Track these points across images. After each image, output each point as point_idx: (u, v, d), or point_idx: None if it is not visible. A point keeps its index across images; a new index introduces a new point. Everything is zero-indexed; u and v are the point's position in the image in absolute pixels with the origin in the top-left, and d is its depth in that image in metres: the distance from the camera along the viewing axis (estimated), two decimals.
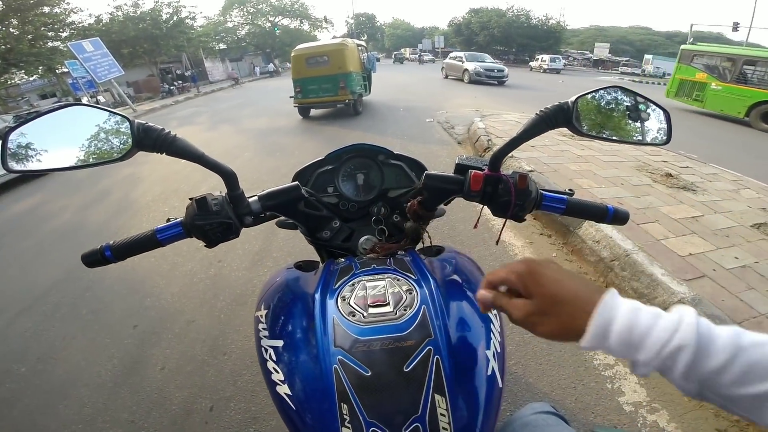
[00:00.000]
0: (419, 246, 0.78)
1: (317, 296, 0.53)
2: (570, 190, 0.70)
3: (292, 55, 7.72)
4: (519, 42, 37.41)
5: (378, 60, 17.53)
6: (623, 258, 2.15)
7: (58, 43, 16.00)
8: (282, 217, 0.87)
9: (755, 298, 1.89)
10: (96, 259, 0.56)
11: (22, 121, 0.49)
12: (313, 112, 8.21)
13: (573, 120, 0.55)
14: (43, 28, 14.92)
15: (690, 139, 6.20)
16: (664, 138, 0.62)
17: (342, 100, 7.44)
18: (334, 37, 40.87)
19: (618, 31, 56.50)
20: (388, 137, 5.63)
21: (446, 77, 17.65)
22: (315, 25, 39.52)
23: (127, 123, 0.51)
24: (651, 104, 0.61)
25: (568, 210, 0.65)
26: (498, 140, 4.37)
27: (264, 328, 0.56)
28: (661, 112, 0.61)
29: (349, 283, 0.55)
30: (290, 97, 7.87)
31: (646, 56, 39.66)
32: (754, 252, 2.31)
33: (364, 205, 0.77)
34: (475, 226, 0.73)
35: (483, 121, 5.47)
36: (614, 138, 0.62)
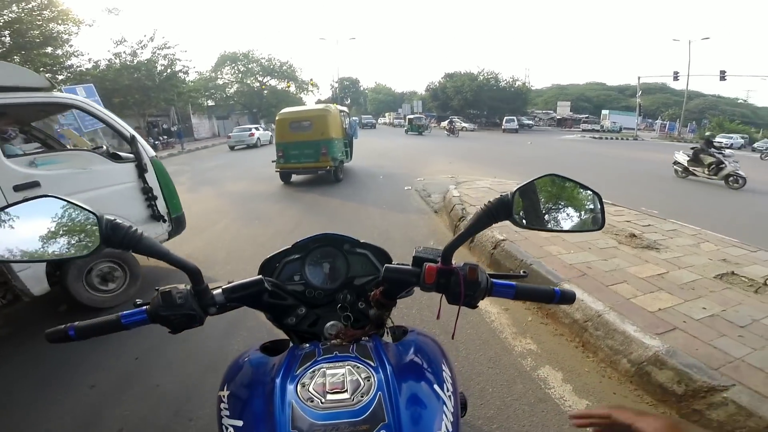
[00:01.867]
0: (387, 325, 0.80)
1: (278, 381, 0.55)
2: (524, 271, 0.76)
3: (277, 118, 7.90)
4: (489, 105, 39.48)
5: (360, 125, 19.20)
6: (596, 318, 2.20)
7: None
8: None
9: (728, 344, 1.95)
10: (59, 336, 0.59)
11: None
12: (294, 177, 8.23)
13: (513, 213, 0.60)
14: (42, 69, 14.33)
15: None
16: (598, 224, 0.67)
17: (323, 166, 7.53)
18: (319, 101, 42.83)
19: (576, 88, 61.16)
20: (369, 206, 5.76)
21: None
22: (302, 87, 40.21)
23: (95, 219, 0.52)
24: (584, 189, 0.66)
25: (518, 295, 0.69)
26: (472, 209, 4.54)
27: (225, 408, 0.58)
28: (594, 196, 0.66)
29: (310, 370, 0.56)
30: (272, 161, 7.93)
31: (603, 112, 43.33)
32: (720, 301, 2.41)
33: (330, 292, 0.79)
34: (438, 317, 0.73)
35: (457, 189, 5.70)
36: (553, 228, 0.66)
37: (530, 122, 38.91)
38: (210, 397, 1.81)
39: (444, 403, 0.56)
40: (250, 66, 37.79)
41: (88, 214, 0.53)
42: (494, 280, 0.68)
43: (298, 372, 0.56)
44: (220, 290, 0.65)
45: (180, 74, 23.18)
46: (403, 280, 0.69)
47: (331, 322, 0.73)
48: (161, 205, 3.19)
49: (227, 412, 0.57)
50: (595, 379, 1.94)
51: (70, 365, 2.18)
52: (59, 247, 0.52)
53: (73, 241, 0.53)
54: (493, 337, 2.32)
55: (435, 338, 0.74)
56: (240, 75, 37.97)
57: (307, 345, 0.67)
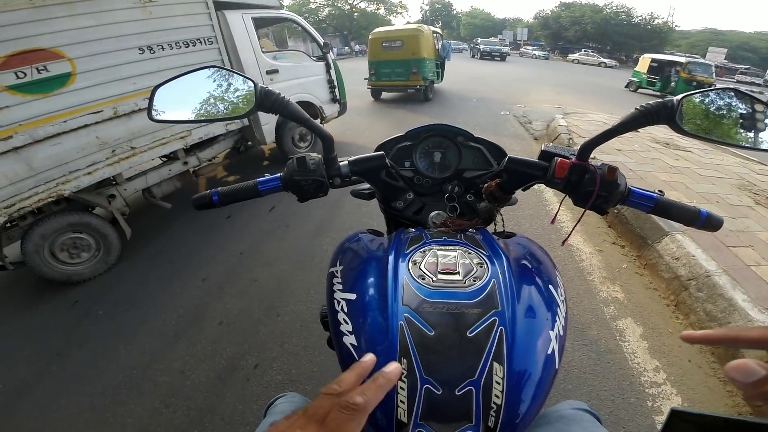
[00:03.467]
0: (491, 229, 0.78)
1: (390, 258, 0.55)
2: (660, 191, 0.66)
3: (370, 38, 7.90)
4: (615, 40, 34.18)
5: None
6: (702, 278, 1.96)
7: None
8: (358, 187, 0.93)
9: None
10: (205, 202, 0.64)
11: (167, 79, 0.57)
12: (384, 95, 8.38)
13: (676, 118, 0.52)
14: None
15: None
16: None
17: (413, 85, 7.52)
18: (408, 23, 40.80)
19: (739, 36, 48.31)
20: (458, 125, 5.56)
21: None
22: (391, 9, 40.01)
23: (253, 85, 0.57)
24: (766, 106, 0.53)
25: (657, 208, 0.62)
26: (580, 140, 4.09)
27: (339, 282, 0.58)
28: None
29: (421, 250, 0.57)
30: (364, 78, 8.12)
31: None
32: None
33: (438, 182, 0.78)
34: (553, 221, 0.72)
35: (565, 119, 5.14)
36: (721, 140, 0.56)
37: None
38: (297, 293, 2.12)
39: (558, 305, 0.54)
40: None
41: (247, 80, 0.58)
42: (633, 188, 0.61)
43: (408, 251, 0.56)
44: (346, 162, 0.67)
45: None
46: (527, 173, 0.65)
47: (437, 212, 0.73)
48: (337, 93, 4.56)
49: (340, 286, 0.57)
50: (676, 342, 1.76)
51: (189, 259, 2.48)
52: (222, 109, 0.58)
53: (232, 105, 0.58)
54: (579, 276, 2.21)
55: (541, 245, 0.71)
56: None
57: (413, 230, 0.67)
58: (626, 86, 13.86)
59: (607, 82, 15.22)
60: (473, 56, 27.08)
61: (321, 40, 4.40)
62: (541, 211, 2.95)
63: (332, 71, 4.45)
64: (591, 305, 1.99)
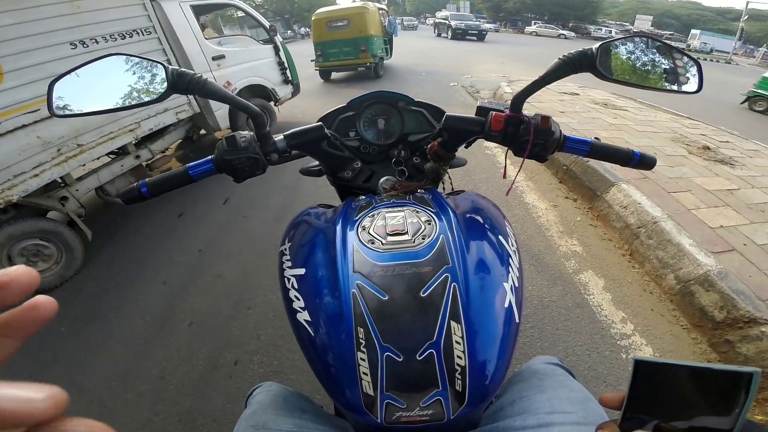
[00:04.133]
0: (441, 190, 0.79)
1: (338, 227, 0.55)
2: (596, 138, 0.68)
3: (312, 19, 7.70)
4: (552, 10, 35.10)
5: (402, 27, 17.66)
6: (651, 225, 2.09)
7: None
8: (306, 165, 0.92)
9: None
10: (133, 196, 0.59)
11: (63, 73, 0.53)
12: (334, 75, 8.24)
13: (597, 65, 0.53)
14: None
15: None
16: (695, 86, 0.57)
17: (363, 63, 7.47)
18: (354, 1, 39.11)
19: (663, 4, 52.70)
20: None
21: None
22: None
23: (162, 68, 0.54)
24: (682, 55, 0.57)
25: (592, 152, 0.64)
26: (527, 105, 4.20)
27: (287, 260, 0.57)
28: (693, 63, 0.57)
29: (369, 215, 0.56)
30: (311, 60, 7.85)
31: (693, 31, 36.87)
32: None
33: (384, 148, 0.78)
34: (504, 175, 0.71)
35: (510, 86, 5.28)
36: (641, 84, 0.58)
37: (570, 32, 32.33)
38: (265, 283, 2.02)
39: (509, 255, 0.54)
40: None
41: (156, 65, 0.55)
42: (568, 135, 0.63)
43: (357, 217, 0.56)
44: (282, 137, 0.65)
45: None
46: (466, 129, 0.65)
47: (386, 177, 0.73)
48: (289, 74, 4.54)
49: (289, 263, 0.56)
50: (636, 291, 1.87)
51: (144, 264, 2.33)
52: (131, 96, 0.55)
53: (143, 91, 0.55)
54: (538, 233, 2.28)
55: (492, 201, 0.72)
56: None
57: (363, 197, 0.67)
58: (745, 102, 7.35)
59: (538, 50, 15.57)
60: (439, 35, 21.73)
61: (266, 24, 4.36)
62: (495, 174, 3.02)
63: (281, 53, 4.43)
64: (553, 261, 2.07)
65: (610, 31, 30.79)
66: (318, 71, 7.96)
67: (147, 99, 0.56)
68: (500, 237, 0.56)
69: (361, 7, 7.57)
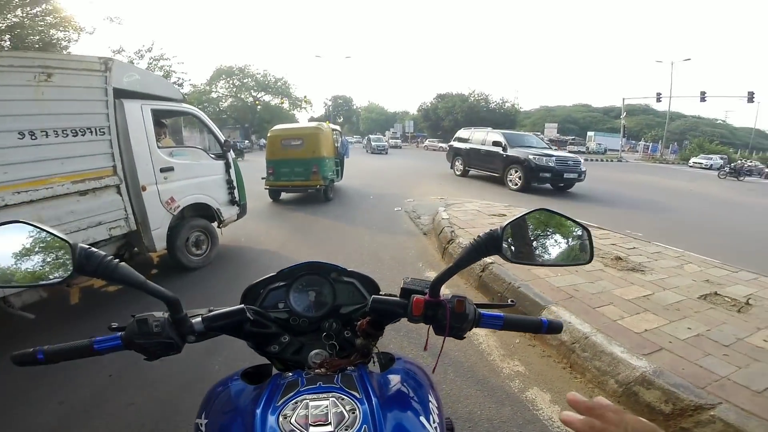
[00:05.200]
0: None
1: (258, 411, 0.53)
2: (512, 300, 0.77)
3: (268, 135, 7.83)
4: (479, 125, 40.62)
5: (352, 143, 19.05)
6: (583, 340, 2.21)
7: None
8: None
9: (713, 363, 1.99)
10: (27, 359, 0.57)
11: None
12: (284, 195, 8.12)
13: (502, 248, 0.60)
14: None
15: None
16: (587, 258, 0.67)
17: (314, 185, 7.42)
18: (312, 118, 42.62)
19: (563, 110, 62.32)
20: (359, 227, 5.72)
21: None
22: (295, 104, 39.89)
23: (69, 248, 0.51)
24: (573, 224, 0.67)
25: (506, 326, 0.68)
26: (461, 231, 4.54)
27: None
28: (583, 230, 0.67)
29: (293, 401, 0.55)
30: (262, 178, 7.78)
31: (589, 133, 44.38)
32: (705, 321, 2.45)
33: (315, 320, 0.77)
34: (425, 348, 0.73)
35: (447, 211, 5.68)
36: (543, 263, 0.66)
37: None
38: (188, 417, 1.74)
39: None
40: (245, 81, 37.61)
41: (62, 240, 0.52)
42: (482, 312, 0.68)
43: (280, 403, 0.55)
44: (199, 318, 0.63)
45: (174, 86, 23.63)
46: (391, 311, 0.69)
47: (316, 351, 0.72)
48: (236, 194, 4.32)
49: None
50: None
51: (40, 380, 2.08)
52: (32, 272, 0.52)
53: (47, 267, 0.52)
54: (481, 359, 2.31)
55: (422, 366, 0.74)
56: (234, 89, 37.82)
57: (290, 374, 0.65)
58: None
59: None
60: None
61: (222, 138, 4.28)
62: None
63: (232, 171, 4.27)
64: (498, 383, 2.09)
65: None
66: (267, 190, 7.75)
67: (46, 280, 0.51)
68: (421, 418, 0.57)
69: (315, 128, 7.80)
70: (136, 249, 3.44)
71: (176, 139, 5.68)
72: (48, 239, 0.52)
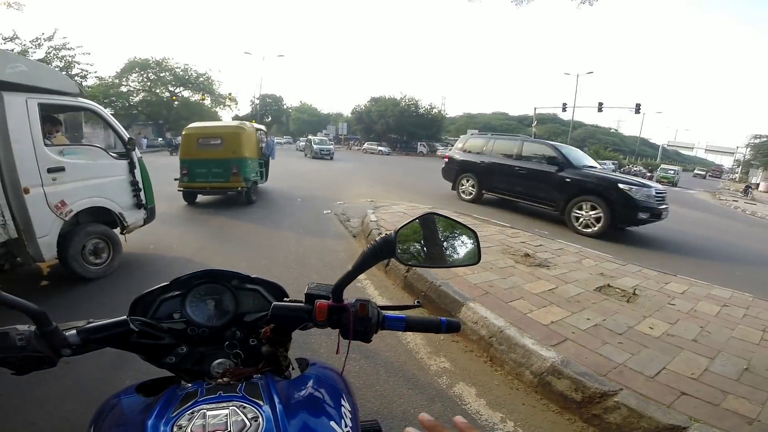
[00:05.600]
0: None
1: (149, 422, 0.50)
2: (418, 301, 0.82)
3: (183, 133, 7.27)
4: (409, 130, 41.72)
5: (280, 144, 17.73)
6: (499, 334, 2.34)
7: None
8: None
9: (611, 350, 2.21)
10: None
11: None
12: (200, 198, 7.52)
13: (396, 251, 0.62)
14: None
15: None
16: (475, 259, 0.71)
17: (234, 187, 7.00)
18: (236, 117, 40.05)
19: (484, 117, 67.86)
20: (284, 230, 5.46)
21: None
22: (218, 101, 37.62)
23: None
24: (462, 227, 0.70)
25: (408, 327, 0.70)
26: (388, 232, 4.59)
27: None
28: (471, 233, 0.70)
29: (189, 411, 0.52)
30: (175, 179, 7.13)
31: None
32: (601, 311, 2.75)
33: (216, 329, 0.73)
34: (337, 351, 0.71)
35: (375, 214, 5.73)
36: (433, 265, 0.71)
37: (425, 148, 41.86)
38: None
39: None
40: (162, 75, 34.42)
41: None
42: (386, 314, 0.69)
43: (174, 414, 0.52)
44: (74, 331, 0.60)
45: (76, 78, 20.74)
46: (294, 317, 0.68)
47: (219, 360, 0.69)
48: (143, 196, 3.92)
49: None
50: (505, 391, 2.05)
51: None
52: None
53: None
54: (410, 358, 2.35)
55: (336, 370, 0.74)
56: (149, 83, 34.29)
57: (190, 385, 0.63)
58: None
59: (398, 170, 18.34)
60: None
61: (125, 135, 3.83)
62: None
63: (137, 171, 3.85)
64: (428, 380, 2.14)
65: (423, 145, 39.61)
66: (182, 192, 7.11)
67: None
68: (332, 423, 0.56)
69: (237, 126, 7.39)
70: (18, 258, 3.01)
71: (74, 136, 4.98)
72: None
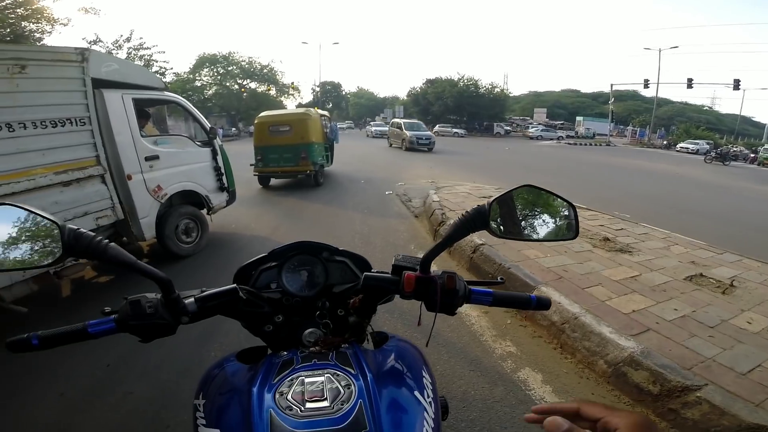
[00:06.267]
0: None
1: (255, 389, 0.54)
2: (501, 278, 0.81)
3: (255, 122, 7.81)
4: (469, 111, 39.72)
5: (342, 129, 17.24)
6: (573, 321, 2.24)
7: None
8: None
9: (699, 344, 2.02)
10: (22, 346, 0.56)
11: None
12: (273, 181, 8.10)
13: (490, 223, 0.61)
14: None
15: None
16: (573, 233, 0.69)
17: (303, 170, 7.45)
18: (300, 105, 41.79)
19: (552, 95, 61.90)
20: (349, 210, 5.70)
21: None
22: (282, 91, 39.07)
23: (57, 229, 0.50)
24: (559, 200, 0.68)
25: (495, 302, 0.70)
26: (452, 213, 4.54)
27: (201, 416, 0.57)
28: (569, 206, 0.68)
29: (288, 378, 0.55)
30: (250, 165, 7.77)
31: (578, 118, 44.50)
32: (691, 302, 2.50)
33: (308, 299, 0.77)
34: (419, 323, 0.72)
35: (437, 194, 5.69)
36: (529, 238, 0.68)
37: (509, 128, 39.61)
38: (187, 403, 1.73)
39: (425, 409, 0.57)
40: (230, 68, 36.71)
41: (49, 222, 0.51)
42: (472, 288, 0.69)
43: (275, 380, 0.55)
44: (192, 299, 0.63)
45: (157, 75, 22.89)
46: (383, 288, 0.69)
47: (310, 330, 0.72)
48: (225, 180, 4.32)
49: (203, 421, 0.56)
50: (574, 380, 1.98)
51: (38, 372, 2.05)
52: (21, 254, 0.51)
53: (35, 249, 0.51)
54: (473, 340, 2.33)
55: (415, 344, 0.74)
56: (219, 77, 36.88)
57: (285, 353, 0.66)
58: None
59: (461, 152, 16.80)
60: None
61: (207, 125, 4.25)
62: None
63: (219, 157, 4.27)
64: (491, 363, 2.11)
65: (502, 127, 37.03)
66: (257, 176, 7.74)
67: (36, 262, 0.50)
68: (416, 393, 0.58)
69: (303, 114, 7.81)
70: (125, 239, 3.41)
71: (161, 128, 5.55)
72: (36, 220, 0.51)
